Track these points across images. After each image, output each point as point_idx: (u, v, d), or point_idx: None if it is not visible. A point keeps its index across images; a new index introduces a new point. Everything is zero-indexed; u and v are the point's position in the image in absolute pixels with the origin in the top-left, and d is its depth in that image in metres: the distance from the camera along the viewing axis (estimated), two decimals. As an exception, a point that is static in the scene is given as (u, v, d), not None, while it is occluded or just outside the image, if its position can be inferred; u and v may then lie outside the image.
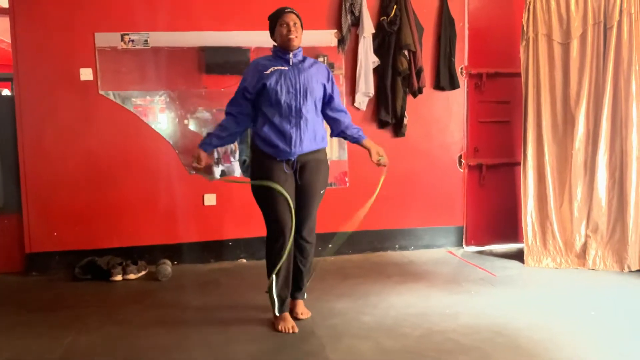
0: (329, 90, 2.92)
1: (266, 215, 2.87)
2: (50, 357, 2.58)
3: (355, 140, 2.99)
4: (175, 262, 4.10)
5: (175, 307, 3.25)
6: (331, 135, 3.06)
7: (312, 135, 2.84)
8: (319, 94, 2.87)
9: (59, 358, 2.57)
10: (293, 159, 2.83)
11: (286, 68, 2.82)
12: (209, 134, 2.93)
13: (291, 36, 2.79)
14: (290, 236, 2.81)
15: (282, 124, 2.78)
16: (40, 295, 3.54)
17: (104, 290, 3.60)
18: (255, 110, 2.88)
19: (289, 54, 2.83)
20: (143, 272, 3.91)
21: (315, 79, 2.85)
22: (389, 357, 2.54)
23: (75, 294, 3.54)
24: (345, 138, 3.02)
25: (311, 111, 2.83)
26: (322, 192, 2.95)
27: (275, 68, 2.81)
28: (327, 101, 2.94)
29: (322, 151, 2.95)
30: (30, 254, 4.00)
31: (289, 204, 2.80)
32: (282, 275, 2.85)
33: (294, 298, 3.01)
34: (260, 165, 2.86)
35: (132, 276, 3.82)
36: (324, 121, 2.98)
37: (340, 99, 3.01)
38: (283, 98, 2.77)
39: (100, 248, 4.00)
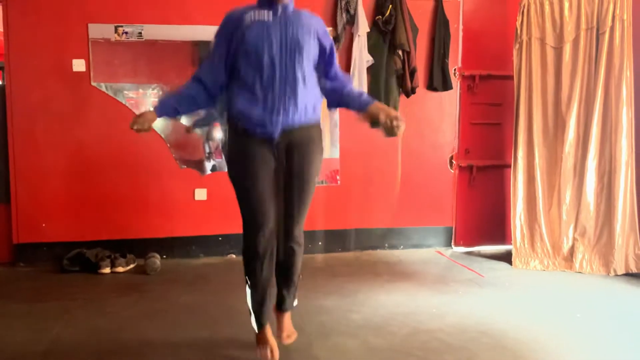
0: (327, 48, 2.33)
1: (241, 208, 2.35)
2: (36, 349, 2.56)
3: (359, 107, 2.33)
4: (165, 256, 4.09)
5: (163, 301, 3.25)
6: (328, 107, 2.47)
7: (303, 104, 2.26)
8: (313, 50, 2.27)
9: (44, 350, 2.56)
10: (277, 135, 2.25)
11: (270, 19, 2.22)
12: (167, 100, 2.39)
13: None
14: (272, 236, 2.33)
15: (263, 90, 2.21)
16: (27, 287, 3.52)
17: (91, 283, 3.59)
18: (231, 74, 2.30)
19: (277, 4, 2.22)
20: (132, 266, 3.90)
21: (309, 32, 2.25)
22: (376, 355, 2.55)
23: (63, 285, 3.53)
24: (346, 106, 2.38)
25: (303, 72, 2.24)
26: (316, 179, 2.40)
27: (257, 19, 2.21)
28: (324, 65, 2.36)
29: (315, 127, 2.37)
30: (18, 244, 3.98)
31: (272, 197, 2.31)
32: (260, 285, 2.39)
33: (278, 309, 2.55)
34: (235, 142, 2.32)
35: (120, 269, 3.81)
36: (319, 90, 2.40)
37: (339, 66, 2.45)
38: (266, 57, 2.18)
39: (89, 240, 3.98)
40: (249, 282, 2.40)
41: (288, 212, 2.36)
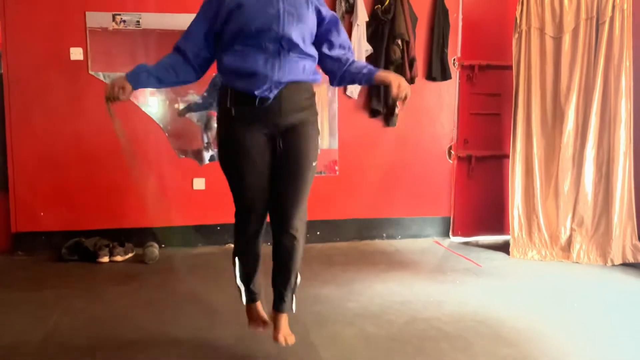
0: (326, 18, 2.19)
1: (231, 185, 2.26)
2: (34, 337, 2.57)
3: (366, 79, 2.18)
4: (163, 245, 4.10)
5: (161, 290, 3.26)
6: (332, 83, 2.29)
7: (298, 66, 2.13)
8: (311, 22, 2.14)
9: (42, 338, 2.57)
10: (273, 91, 2.08)
11: None
12: (141, 67, 2.18)
13: None
14: (262, 213, 2.24)
15: (256, 53, 2.07)
16: (25, 275, 3.52)
17: (90, 272, 3.60)
18: (218, 47, 2.18)
19: None
20: (130, 255, 3.91)
21: (306, 3, 2.14)
22: (373, 343, 2.56)
23: (61, 274, 3.53)
24: (352, 81, 2.22)
25: (298, 46, 2.11)
26: (314, 164, 2.22)
27: None
28: (325, 34, 2.21)
29: (311, 102, 2.22)
30: (16, 233, 3.98)
31: (266, 186, 2.20)
32: (249, 258, 2.34)
33: (276, 309, 2.35)
34: (228, 117, 2.14)
35: (118, 258, 3.82)
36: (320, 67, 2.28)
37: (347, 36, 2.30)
38: (258, 26, 2.04)
39: (87, 229, 3.99)
40: (237, 258, 2.35)
41: (284, 199, 2.20)
